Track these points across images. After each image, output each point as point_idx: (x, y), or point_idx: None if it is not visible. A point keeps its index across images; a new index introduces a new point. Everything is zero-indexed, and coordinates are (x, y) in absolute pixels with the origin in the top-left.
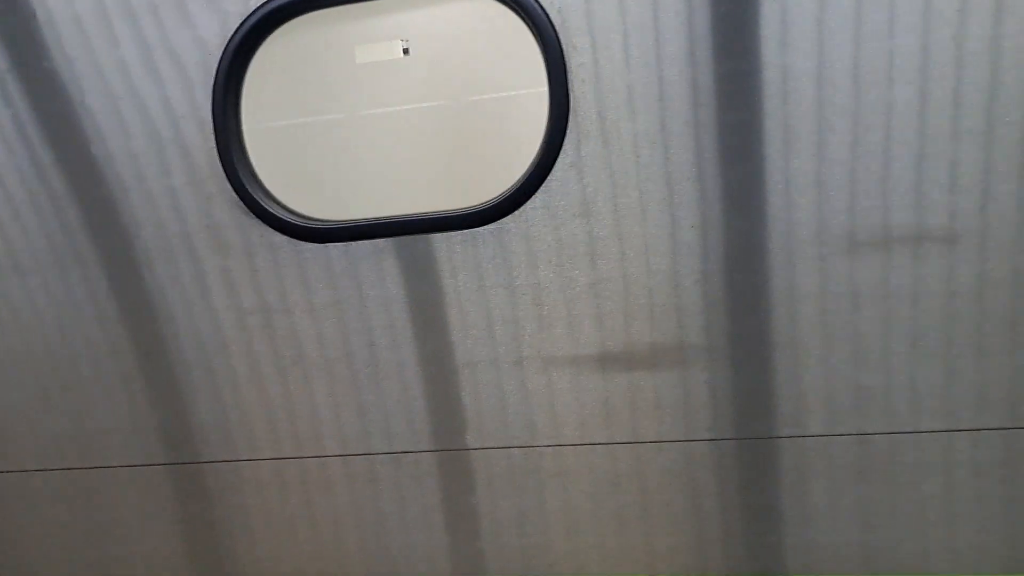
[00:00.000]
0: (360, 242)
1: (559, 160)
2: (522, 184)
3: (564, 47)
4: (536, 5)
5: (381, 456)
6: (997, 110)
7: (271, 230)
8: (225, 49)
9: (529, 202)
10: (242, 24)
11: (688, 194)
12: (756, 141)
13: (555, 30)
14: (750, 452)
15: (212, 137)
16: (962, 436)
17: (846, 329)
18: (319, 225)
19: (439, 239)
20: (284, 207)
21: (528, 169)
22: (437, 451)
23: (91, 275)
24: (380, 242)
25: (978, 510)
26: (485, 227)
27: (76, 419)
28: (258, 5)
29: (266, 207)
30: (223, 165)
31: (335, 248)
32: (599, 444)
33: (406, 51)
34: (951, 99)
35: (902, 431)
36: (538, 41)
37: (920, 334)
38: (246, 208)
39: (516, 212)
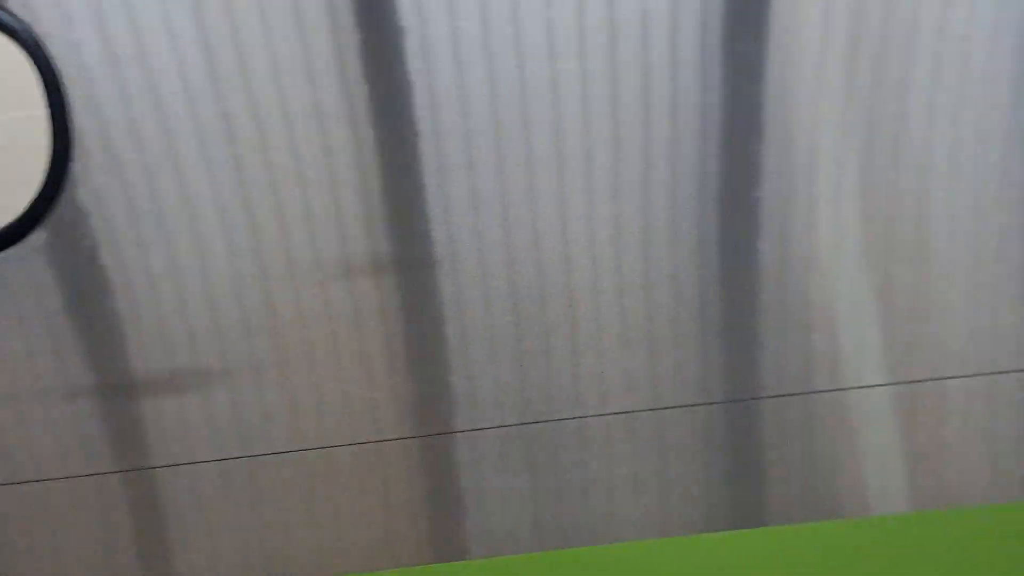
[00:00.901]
0: None
1: (67, 192)
2: (24, 215)
3: (61, 79)
4: (32, 38)
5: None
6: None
7: None
8: None
9: (34, 234)
10: None
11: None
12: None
13: (50, 60)
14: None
15: None
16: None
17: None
18: None
19: None
20: None
21: (29, 202)
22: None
23: None
24: None
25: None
26: None
27: None
28: None
29: None
30: None
31: None
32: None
33: None
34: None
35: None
36: (35, 71)
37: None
38: None
39: (21, 244)
